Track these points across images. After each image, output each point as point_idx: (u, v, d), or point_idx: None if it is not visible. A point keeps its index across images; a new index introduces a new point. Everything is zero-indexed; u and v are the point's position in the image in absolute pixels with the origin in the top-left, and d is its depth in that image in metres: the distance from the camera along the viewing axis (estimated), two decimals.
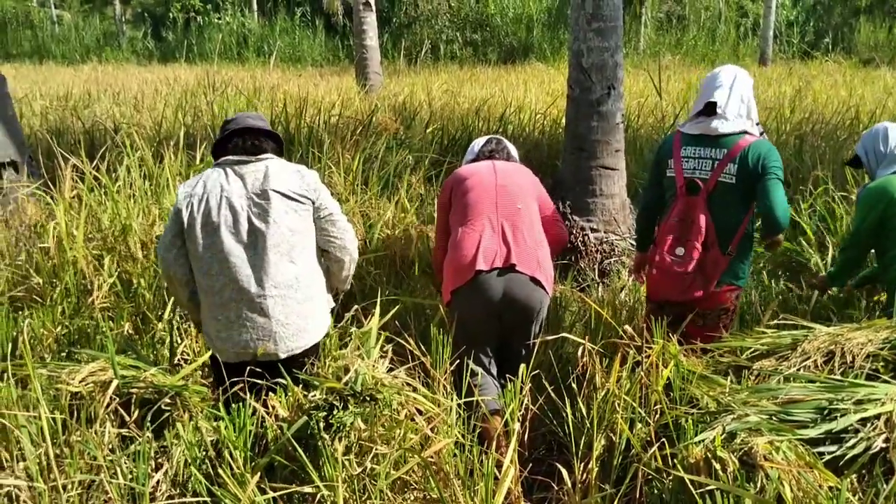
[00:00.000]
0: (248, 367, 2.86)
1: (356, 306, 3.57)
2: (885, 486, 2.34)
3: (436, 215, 3.73)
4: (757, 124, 3.54)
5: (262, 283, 2.88)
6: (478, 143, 3.87)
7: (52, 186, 4.94)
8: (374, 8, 12.96)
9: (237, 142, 3.02)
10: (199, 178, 3.01)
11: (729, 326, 3.59)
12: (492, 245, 3.33)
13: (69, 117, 8.85)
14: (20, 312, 3.86)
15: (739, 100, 3.49)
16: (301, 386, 2.82)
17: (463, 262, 3.31)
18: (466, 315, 3.37)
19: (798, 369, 2.99)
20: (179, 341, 3.79)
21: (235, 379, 2.87)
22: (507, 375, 3.33)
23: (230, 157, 3.00)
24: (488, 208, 3.42)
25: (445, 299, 3.43)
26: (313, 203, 3.02)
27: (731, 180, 3.42)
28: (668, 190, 3.64)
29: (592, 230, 5.26)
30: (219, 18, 27.65)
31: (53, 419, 2.58)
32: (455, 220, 3.48)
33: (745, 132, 3.44)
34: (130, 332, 3.85)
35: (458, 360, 3.20)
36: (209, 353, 3.11)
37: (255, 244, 2.89)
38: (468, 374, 3.20)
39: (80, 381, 2.81)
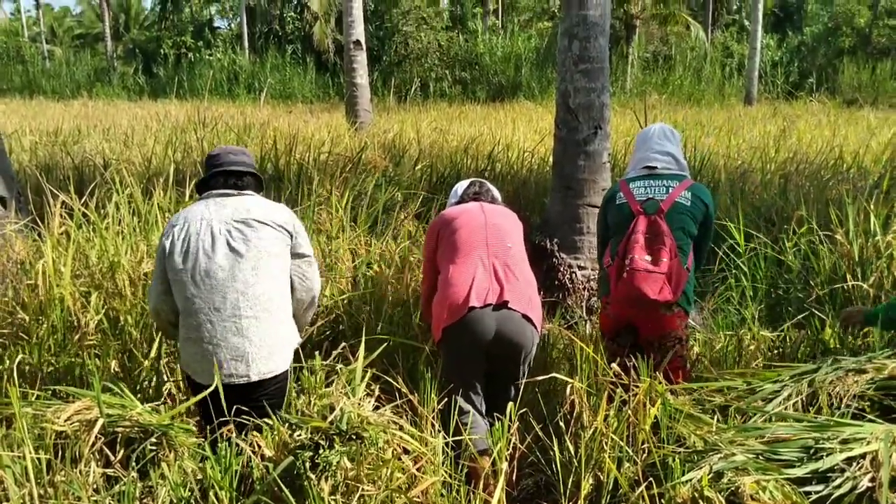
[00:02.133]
0: (222, 390, 2.88)
1: (343, 344, 3.57)
2: None
3: (423, 257, 3.75)
4: None
5: (237, 304, 2.97)
6: (461, 186, 3.92)
7: (40, 223, 4.94)
8: (364, 46, 13.11)
9: (220, 179, 3.18)
10: (182, 212, 3.15)
11: (686, 357, 3.65)
12: (484, 282, 3.34)
13: (59, 153, 8.87)
14: (6, 350, 3.83)
15: (680, 153, 3.85)
16: (271, 418, 2.87)
17: (456, 299, 3.31)
18: (458, 352, 3.37)
19: (784, 409, 3.01)
20: (166, 379, 3.77)
21: (207, 397, 2.89)
22: (495, 414, 3.32)
23: (213, 191, 3.16)
24: (479, 246, 3.44)
25: (436, 336, 3.43)
26: (291, 237, 3.15)
27: (687, 202, 3.63)
28: (618, 221, 3.73)
29: (580, 268, 5.29)
30: (210, 55, 27.88)
31: (38, 459, 2.56)
32: (445, 259, 3.50)
33: (686, 176, 3.75)
34: (117, 369, 3.83)
35: (446, 399, 3.19)
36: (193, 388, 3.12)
37: (234, 266, 2.99)
38: (456, 412, 3.19)
39: (65, 420, 2.79)
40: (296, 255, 3.19)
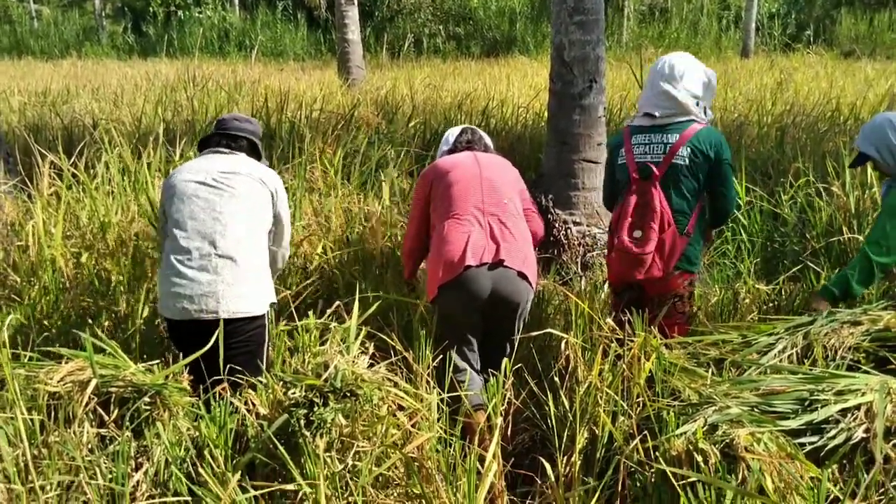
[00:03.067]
0: (194, 327, 3.07)
1: (338, 302, 3.55)
2: (865, 476, 2.36)
3: (411, 206, 3.69)
4: (709, 111, 3.58)
5: (214, 244, 3.12)
6: (452, 133, 3.82)
7: (29, 184, 4.89)
8: (356, 2, 12.91)
9: (217, 139, 3.43)
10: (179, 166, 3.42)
11: (688, 315, 3.59)
12: (480, 240, 3.31)
13: (47, 113, 8.76)
14: None
15: (687, 93, 3.50)
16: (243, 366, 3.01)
17: (451, 257, 3.28)
18: (453, 310, 3.35)
19: (779, 361, 3.01)
20: (158, 339, 3.76)
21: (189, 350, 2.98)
22: (490, 370, 3.32)
23: (209, 149, 3.42)
24: (474, 203, 3.40)
25: (431, 294, 3.41)
26: (273, 198, 3.35)
27: (684, 162, 3.46)
28: (620, 179, 3.67)
29: (575, 223, 5.26)
30: (200, 13, 27.44)
31: (31, 420, 2.55)
32: (438, 214, 3.45)
33: (693, 120, 3.50)
34: (110, 330, 3.81)
35: (440, 356, 3.18)
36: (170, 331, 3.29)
37: (214, 209, 3.17)
38: (450, 369, 3.19)
39: (58, 381, 2.77)
40: (275, 215, 3.40)
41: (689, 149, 3.46)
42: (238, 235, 3.16)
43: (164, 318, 3.24)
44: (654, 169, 3.51)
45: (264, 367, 3.15)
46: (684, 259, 3.52)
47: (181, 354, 3.04)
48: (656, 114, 3.54)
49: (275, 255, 3.51)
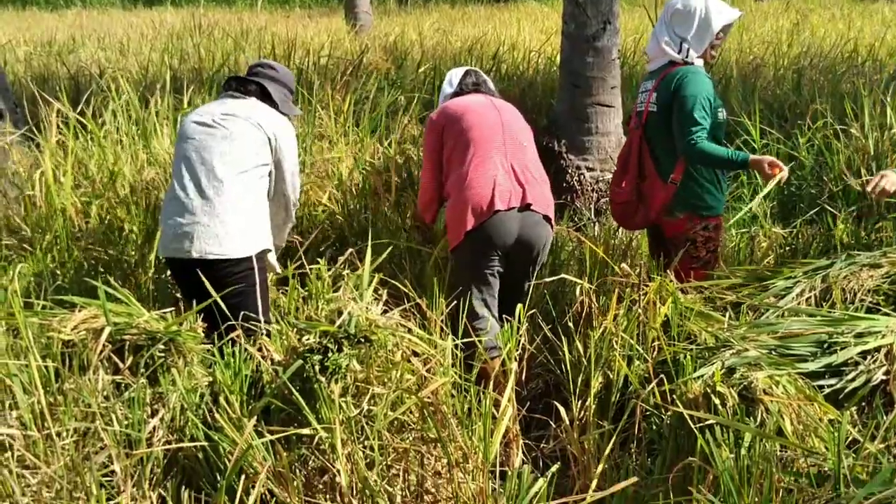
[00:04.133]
0: (180, 265, 3.16)
1: (350, 250, 3.52)
2: (885, 418, 2.34)
3: (423, 155, 3.60)
4: (692, 52, 3.44)
5: (198, 184, 3.13)
6: (455, 75, 3.69)
7: (37, 133, 4.85)
8: None
9: (230, 83, 3.42)
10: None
11: (706, 259, 3.54)
12: (507, 184, 3.26)
13: (53, 63, 8.67)
14: (9, 262, 3.81)
15: (671, 32, 3.46)
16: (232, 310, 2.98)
17: (479, 202, 3.22)
18: (478, 255, 3.31)
19: (797, 304, 2.97)
20: (171, 287, 3.75)
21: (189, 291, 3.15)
22: (505, 316, 3.30)
23: (222, 93, 3.41)
24: (496, 146, 3.32)
25: (455, 240, 3.33)
26: (270, 141, 3.26)
27: (654, 109, 3.47)
28: None
29: (588, 169, 5.19)
30: None
31: (45, 367, 2.54)
32: (455, 159, 3.36)
33: (672, 62, 3.45)
34: (122, 279, 3.80)
35: (454, 302, 3.16)
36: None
37: (204, 149, 3.16)
38: (464, 314, 3.17)
39: (71, 329, 2.77)
40: (276, 165, 3.32)
41: (657, 93, 3.46)
42: (223, 177, 3.13)
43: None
44: (636, 119, 3.57)
45: (260, 313, 3.15)
46: (684, 204, 3.48)
47: (193, 301, 3.03)
48: (651, 60, 3.58)
49: (278, 207, 3.42)
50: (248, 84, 3.37)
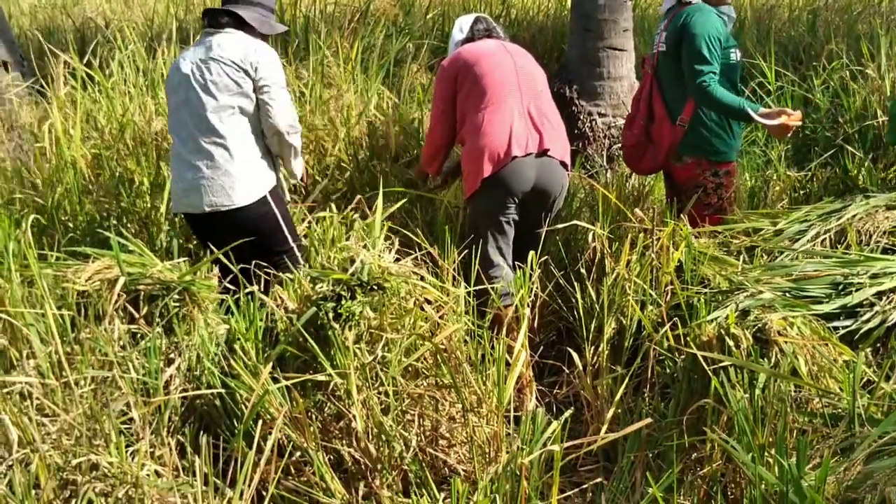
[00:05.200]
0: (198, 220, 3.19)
1: (359, 196, 3.51)
2: None
3: (433, 101, 3.55)
4: None
5: (196, 140, 3.11)
6: (465, 22, 3.59)
7: (45, 85, 4.82)
8: None
9: (204, 19, 3.28)
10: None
11: (718, 206, 3.52)
12: (523, 130, 3.22)
13: (59, 15, 8.57)
14: (22, 214, 3.82)
15: None
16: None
17: (496, 148, 3.18)
18: (496, 202, 3.28)
19: (812, 247, 2.96)
20: (184, 237, 3.75)
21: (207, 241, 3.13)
22: (517, 263, 3.29)
23: (204, 30, 3.26)
24: (512, 91, 3.27)
25: (472, 188, 3.29)
26: (248, 74, 3.12)
27: (664, 49, 3.46)
28: None
29: (600, 115, 5.13)
30: None
31: (61, 317, 2.56)
32: (470, 106, 3.30)
33: (681, 2, 3.43)
34: (135, 230, 3.81)
35: (466, 251, 3.14)
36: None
37: (193, 104, 3.11)
38: (484, 263, 3.16)
39: (86, 280, 2.78)
40: (259, 91, 3.16)
41: (666, 33, 3.45)
42: (216, 127, 3.09)
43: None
44: (649, 60, 3.57)
45: (290, 241, 3.26)
46: (693, 147, 3.46)
47: (207, 250, 3.05)
48: (664, 1, 3.57)
49: (271, 139, 3.25)
50: (219, 16, 3.20)
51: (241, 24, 3.19)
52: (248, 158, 3.17)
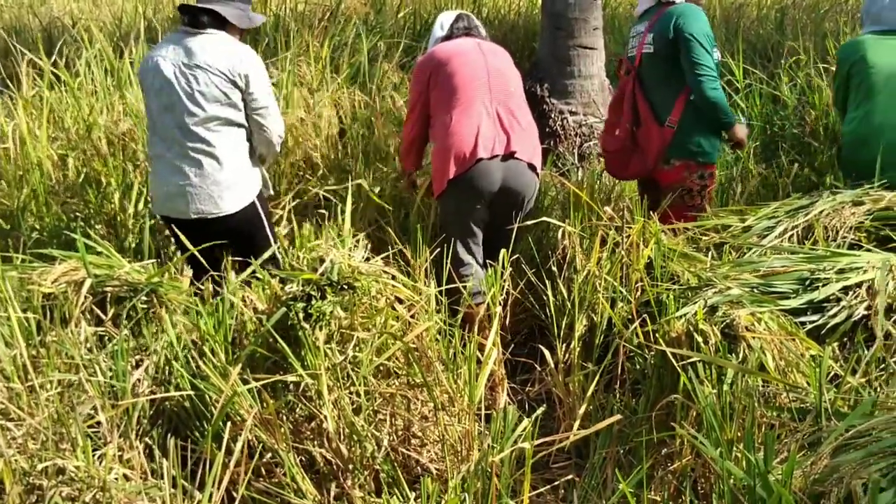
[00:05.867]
0: (178, 225, 3.10)
1: (327, 195, 3.49)
2: (866, 352, 2.36)
3: (409, 98, 3.54)
4: None
5: (182, 146, 3.05)
6: (447, 19, 3.59)
7: (11, 85, 4.75)
8: None
9: (183, 17, 3.12)
10: (155, 46, 3.23)
11: (701, 207, 3.51)
12: (490, 132, 3.21)
13: (25, 15, 8.46)
14: None
15: None
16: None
17: (462, 149, 3.18)
18: (462, 204, 3.29)
19: (780, 243, 2.99)
20: (152, 238, 3.71)
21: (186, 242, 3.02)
22: (489, 261, 3.29)
23: (179, 28, 3.13)
24: (481, 92, 3.26)
25: (438, 188, 3.31)
26: (239, 88, 3.08)
27: (650, 50, 3.43)
28: None
29: (571, 113, 5.14)
30: None
31: (26, 320, 2.53)
32: (441, 106, 3.31)
33: (664, 2, 3.42)
34: (102, 232, 3.76)
35: (438, 249, 3.14)
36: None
37: (178, 111, 3.03)
38: (453, 262, 3.15)
39: (52, 282, 2.75)
40: (252, 108, 3.13)
41: (652, 34, 3.41)
42: (203, 136, 3.04)
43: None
44: (628, 63, 3.53)
45: (272, 242, 3.22)
46: (682, 150, 3.43)
47: (180, 251, 3.03)
48: (639, 3, 3.55)
49: (259, 143, 3.23)
50: (199, 15, 3.08)
51: (222, 23, 3.10)
52: (237, 166, 3.13)
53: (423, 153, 3.62)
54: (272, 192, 3.50)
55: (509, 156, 3.22)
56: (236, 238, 3.14)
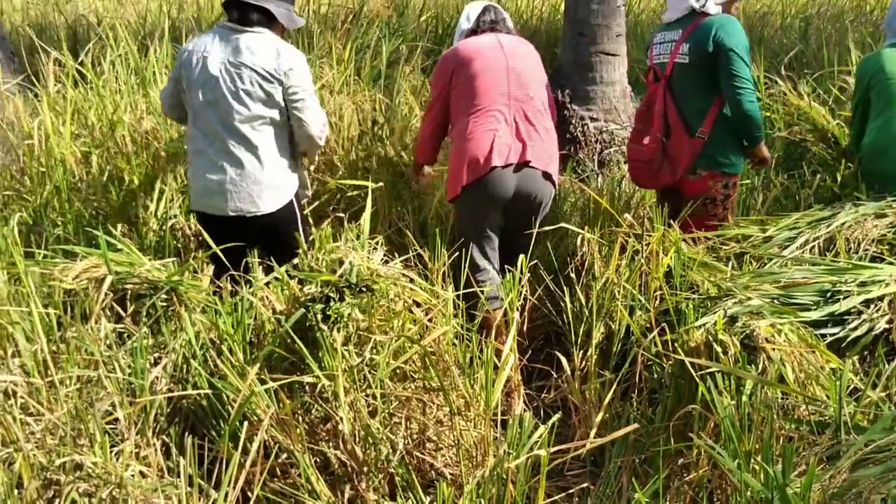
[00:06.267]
0: (216, 221, 3.16)
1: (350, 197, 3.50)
2: (887, 366, 2.34)
3: (430, 93, 3.54)
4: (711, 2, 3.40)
5: (224, 143, 3.09)
6: (473, 10, 3.53)
7: (35, 83, 4.79)
8: None
9: (231, 13, 3.13)
10: (193, 39, 3.21)
11: (723, 217, 3.50)
12: (506, 140, 3.22)
13: (51, 12, 8.56)
14: (10, 211, 3.80)
15: None
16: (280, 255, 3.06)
17: (476, 156, 3.20)
18: (476, 209, 3.30)
19: (801, 254, 2.96)
20: (173, 237, 3.74)
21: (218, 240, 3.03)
22: (507, 267, 3.29)
23: (224, 23, 3.15)
24: (500, 98, 3.26)
25: (453, 192, 3.32)
26: (281, 83, 3.10)
27: (685, 60, 3.38)
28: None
29: (592, 119, 5.13)
30: None
31: (47, 315, 2.55)
32: (460, 107, 3.31)
33: (699, 11, 3.38)
34: (124, 229, 3.79)
35: (456, 253, 3.14)
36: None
37: (222, 109, 3.07)
38: (469, 267, 3.15)
39: (73, 278, 2.77)
40: (290, 102, 3.14)
41: (688, 44, 3.36)
42: (246, 135, 3.09)
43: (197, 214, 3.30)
44: (659, 70, 3.49)
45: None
46: (710, 160, 3.41)
47: (202, 250, 3.05)
48: (669, 10, 3.50)
49: (300, 142, 3.27)
50: (250, 12, 3.09)
51: (269, 22, 3.14)
52: (278, 166, 3.18)
53: (437, 149, 3.63)
54: (309, 195, 3.54)
55: (524, 164, 3.22)
56: (269, 237, 3.20)
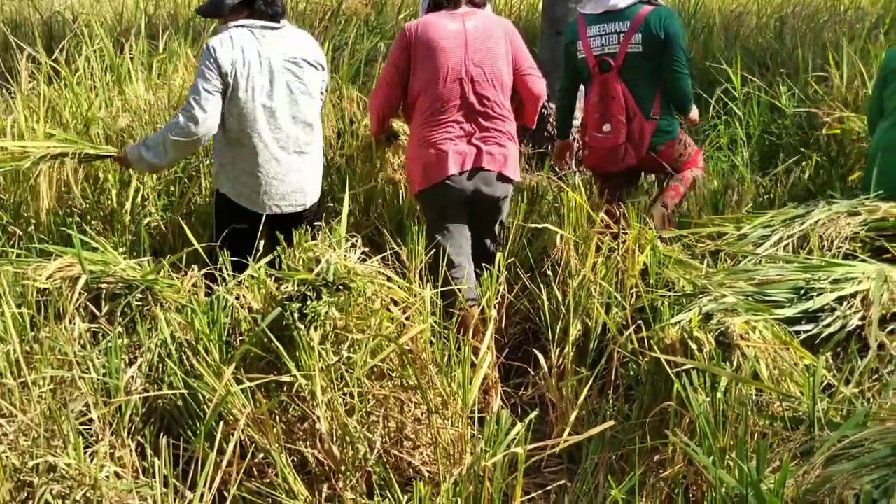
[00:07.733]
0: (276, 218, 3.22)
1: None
2: (859, 362, 2.37)
3: (385, 64, 3.45)
4: None
5: (297, 142, 3.21)
6: None
7: (10, 80, 4.73)
8: None
9: (260, 6, 3.12)
10: (230, 41, 3.07)
11: (694, 152, 3.88)
12: (461, 147, 3.25)
13: (26, 8, 8.44)
14: None
15: None
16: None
17: (432, 161, 3.25)
18: (437, 211, 3.37)
19: (775, 252, 2.99)
20: (149, 236, 3.70)
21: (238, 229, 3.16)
22: (484, 264, 3.29)
23: (256, 21, 3.12)
24: (458, 100, 3.23)
25: (413, 191, 3.44)
26: (323, 77, 3.34)
27: (638, 49, 3.62)
28: (582, 73, 3.87)
29: None
30: None
31: (20, 315, 2.52)
32: (419, 102, 3.27)
33: (643, 2, 3.63)
34: (99, 228, 3.75)
35: (433, 251, 3.14)
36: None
37: (293, 105, 3.18)
38: (446, 265, 3.15)
39: (47, 278, 2.74)
40: (321, 90, 3.38)
41: (640, 34, 3.59)
42: (313, 126, 3.27)
43: (244, 211, 3.21)
44: (612, 61, 3.67)
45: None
46: (663, 133, 3.72)
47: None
48: (610, 5, 3.66)
49: None
50: (275, 6, 3.14)
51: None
52: (321, 156, 3.44)
53: (385, 123, 3.62)
54: None
55: (479, 168, 3.26)
56: (300, 227, 3.08)
